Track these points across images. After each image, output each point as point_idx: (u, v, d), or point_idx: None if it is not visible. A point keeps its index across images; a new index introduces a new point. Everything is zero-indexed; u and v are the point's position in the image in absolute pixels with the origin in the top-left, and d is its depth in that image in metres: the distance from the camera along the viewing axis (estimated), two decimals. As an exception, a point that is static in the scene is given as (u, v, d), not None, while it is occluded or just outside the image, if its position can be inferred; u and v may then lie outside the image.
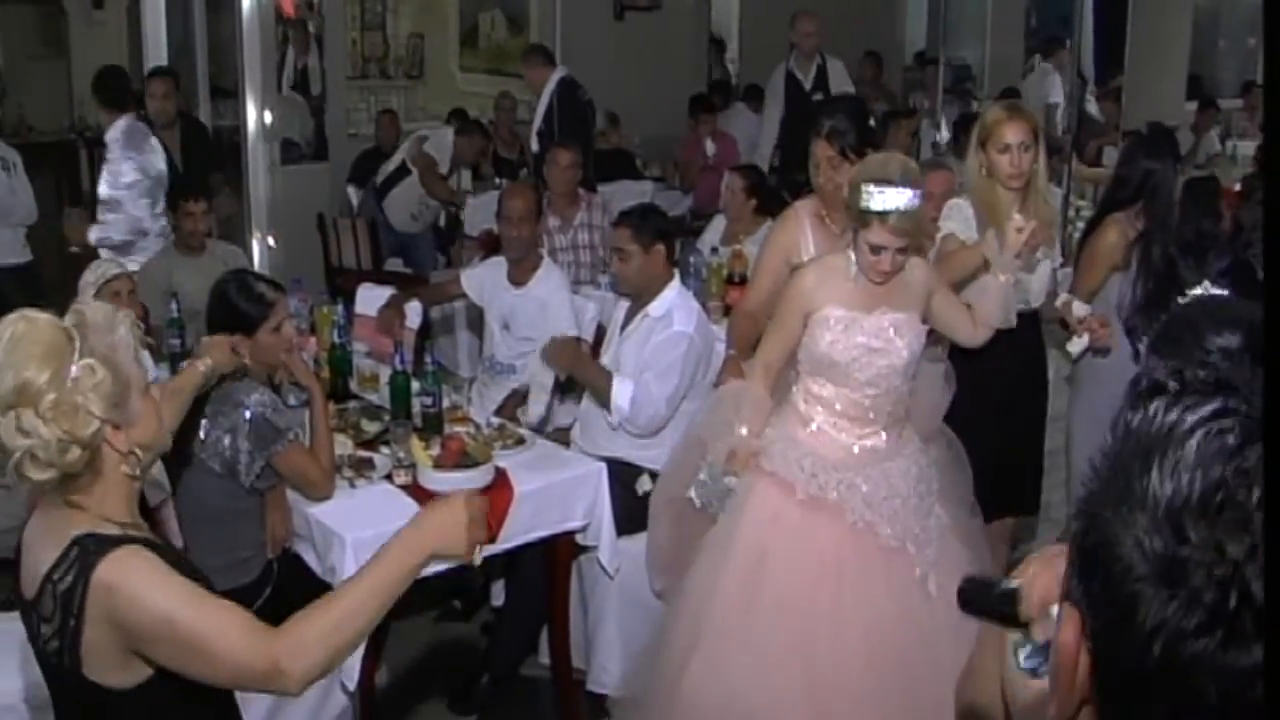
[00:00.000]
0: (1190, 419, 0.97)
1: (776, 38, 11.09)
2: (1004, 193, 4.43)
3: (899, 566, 3.75)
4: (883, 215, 3.58)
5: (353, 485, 4.21)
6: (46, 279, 7.18)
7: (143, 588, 2.14)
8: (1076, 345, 4.70)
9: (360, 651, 3.88)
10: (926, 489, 3.88)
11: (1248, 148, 10.17)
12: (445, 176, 8.93)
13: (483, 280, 5.56)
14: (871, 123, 4.45)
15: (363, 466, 4.33)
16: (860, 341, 3.73)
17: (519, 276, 5.41)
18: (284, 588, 4.08)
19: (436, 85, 12.18)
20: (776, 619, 3.67)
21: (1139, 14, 9.72)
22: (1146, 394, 1.01)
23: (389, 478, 4.25)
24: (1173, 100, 11.20)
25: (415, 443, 4.29)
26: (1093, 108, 10.21)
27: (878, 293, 3.76)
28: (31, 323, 2.12)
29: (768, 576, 3.72)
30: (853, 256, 3.75)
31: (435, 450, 4.28)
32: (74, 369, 2.11)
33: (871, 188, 3.58)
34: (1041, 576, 1.16)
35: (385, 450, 4.43)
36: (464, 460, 4.20)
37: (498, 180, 9.03)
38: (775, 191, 7.29)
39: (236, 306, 4.04)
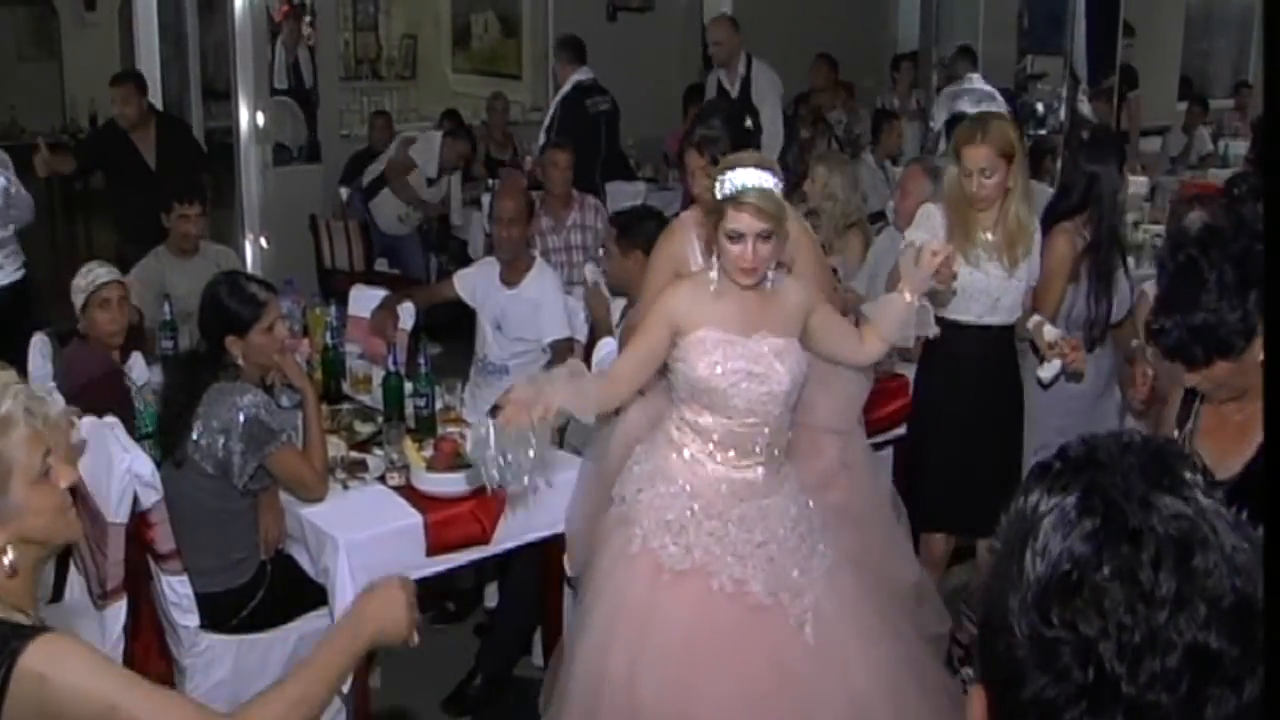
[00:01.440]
0: (1054, 504, 1.06)
1: (769, 38, 11.11)
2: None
3: (772, 622, 3.54)
4: (737, 197, 3.36)
5: (346, 487, 4.21)
6: (40, 287, 7.15)
7: (82, 675, 1.98)
8: (1048, 370, 4.55)
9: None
10: (808, 528, 3.67)
11: (1240, 147, 10.19)
12: (433, 180, 8.91)
13: (475, 281, 5.56)
14: (749, 125, 4.24)
15: (356, 468, 4.33)
16: (739, 366, 3.48)
17: (511, 277, 5.41)
18: (277, 589, 4.08)
19: (429, 86, 12.21)
20: (657, 696, 3.46)
21: (1132, 14, 9.73)
22: (1035, 474, 1.12)
23: (382, 479, 4.26)
24: (1164, 100, 11.23)
25: (408, 444, 4.29)
26: (1085, 108, 10.21)
27: (754, 314, 3.53)
28: None
29: (645, 658, 3.48)
30: (713, 275, 3.51)
31: (428, 452, 4.28)
32: None
33: (725, 174, 3.41)
34: None
35: (378, 452, 4.43)
36: (457, 461, 4.19)
37: (490, 181, 9.02)
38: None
39: (228, 307, 4.03)
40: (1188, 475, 1.07)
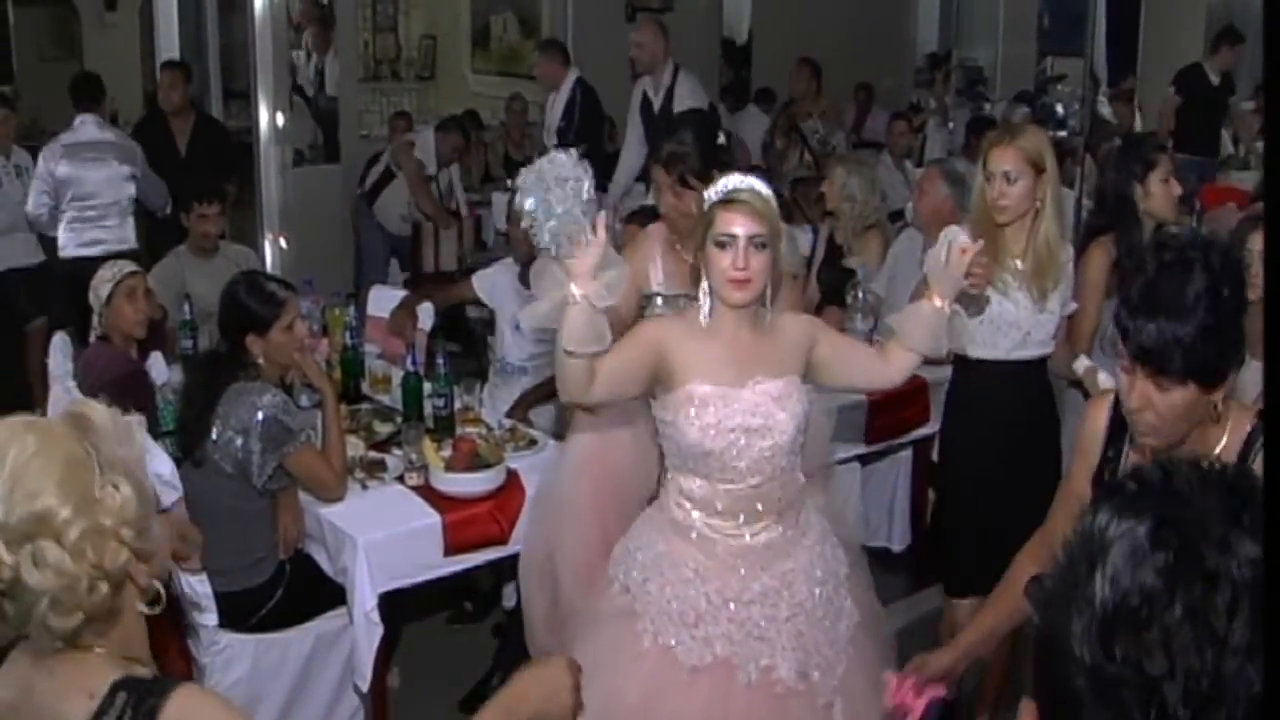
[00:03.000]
0: (1121, 527, 1.00)
1: (789, 39, 11.10)
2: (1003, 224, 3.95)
3: (797, 709, 3.20)
4: (730, 196, 3.05)
5: (364, 487, 4.21)
6: (57, 280, 7.20)
7: None
8: None
9: (373, 653, 3.89)
10: (836, 583, 3.31)
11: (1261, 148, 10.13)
12: (433, 176, 8.91)
13: (494, 282, 5.55)
14: (721, 140, 3.95)
15: (374, 468, 4.33)
16: (736, 424, 3.08)
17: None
18: (295, 589, 4.09)
19: (448, 87, 12.21)
20: None
21: (1151, 14, 9.70)
22: (1106, 493, 1.05)
23: (401, 479, 4.26)
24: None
25: (427, 444, 4.29)
26: (1105, 109, 10.18)
27: (748, 357, 3.13)
28: (44, 433, 1.79)
29: None
30: (704, 315, 3.15)
31: (447, 452, 4.28)
32: (98, 489, 1.78)
33: (712, 187, 3.12)
34: None
35: (397, 452, 4.43)
36: (476, 462, 4.20)
37: (508, 182, 9.02)
38: (783, 192, 7.24)
39: (248, 306, 4.04)
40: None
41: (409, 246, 8.95)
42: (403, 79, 11.97)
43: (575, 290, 2.82)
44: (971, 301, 3.53)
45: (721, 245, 3.04)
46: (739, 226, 3.02)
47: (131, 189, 6.96)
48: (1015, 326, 3.97)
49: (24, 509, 1.72)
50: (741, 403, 3.10)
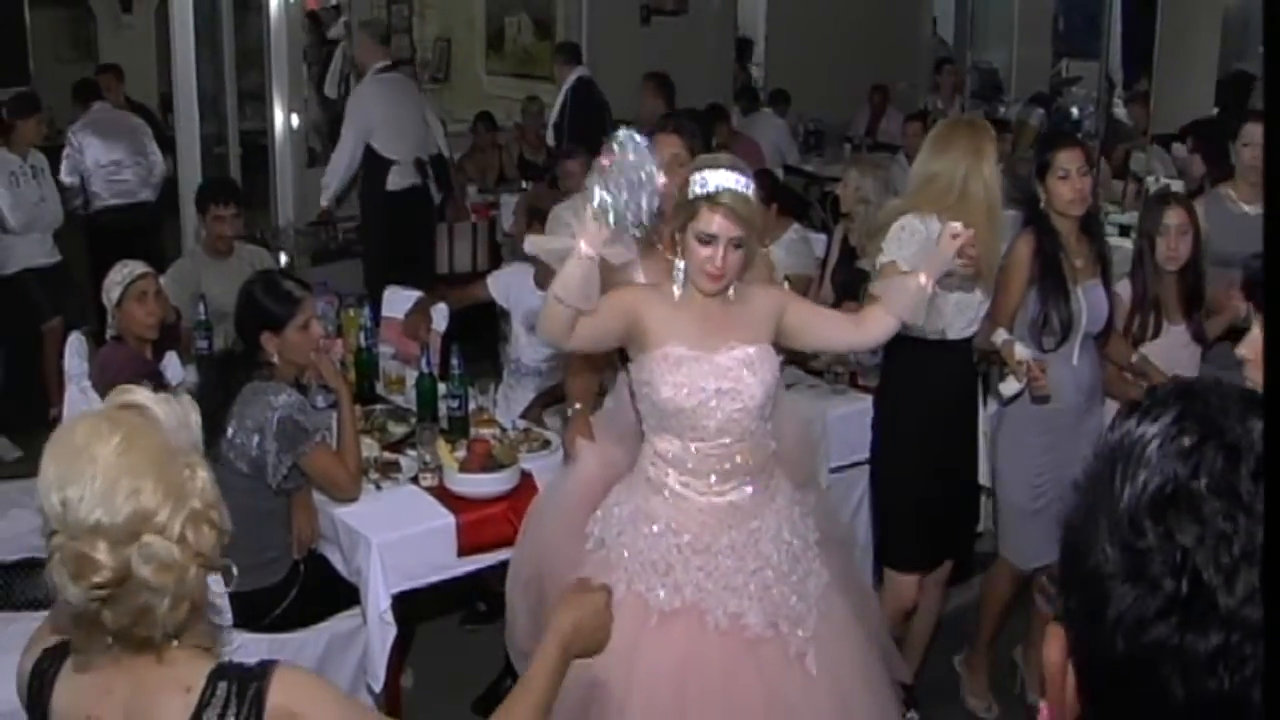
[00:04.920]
0: (1151, 429, 1.01)
1: (804, 41, 11.11)
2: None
3: (769, 655, 3.32)
4: (712, 197, 3.17)
5: (379, 487, 4.22)
6: (73, 280, 7.24)
7: (326, 714, 1.88)
8: (1010, 387, 4.24)
9: (386, 654, 3.89)
10: (803, 545, 3.46)
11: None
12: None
13: (508, 283, 5.56)
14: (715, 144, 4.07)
15: (389, 468, 4.34)
16: (708, 384, 3.25)
17: (545, 280, 5.40)
18: (310, 589, 4.10)
19: (463, 88, 12.22)
20: None
21: (1168, 17, 9.67)
22: (1123, 414, 1.06)
23: (415, 480, 4.27)
24: (1200, 104, 11.14)
25: (441, 445, 4.30)
26: (1121, 112, 10.16)
27: (718, 325, 3.31)
28: (125, 428, 1.77)
29: (631, 706, 3.21)
30: (677, 287, 3.31)
31: (461, 453, 4.29)
32: (184, 476, 1.79)
33: (698, 175, 3.23)
34: None
35: (411, 452, 4.44)
36: (490, 463, 4.20)
37: (524, 184, 9.04)
38: (795, 192, 7.23)
39: (264, 304, 4.05)
40: None
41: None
42: (418, 81, 11.97)
43: (584, 247, 3.02)
44: (949, 283, 3.64)
45: (702, 241, 3.22)
46: (719, 227, 3.19)
47: None
48: (970, 308, 4.17)
49: (128, 508, 1.72)
50: (714, 365, 3.27)
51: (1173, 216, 4.47)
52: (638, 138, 3.04)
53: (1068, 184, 4.24)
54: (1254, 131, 5.06)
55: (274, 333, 4.02)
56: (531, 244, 3.30)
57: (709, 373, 3.26)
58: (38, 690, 1.91)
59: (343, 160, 7.96)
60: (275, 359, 4.03)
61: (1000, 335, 4.19)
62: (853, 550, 3.94)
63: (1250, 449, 0.98)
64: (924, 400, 4.29)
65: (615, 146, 3.01)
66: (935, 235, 3.57)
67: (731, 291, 3.34)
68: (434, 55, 12.39)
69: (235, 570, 2.00)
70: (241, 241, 6.17)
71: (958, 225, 3.45)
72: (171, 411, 1.84)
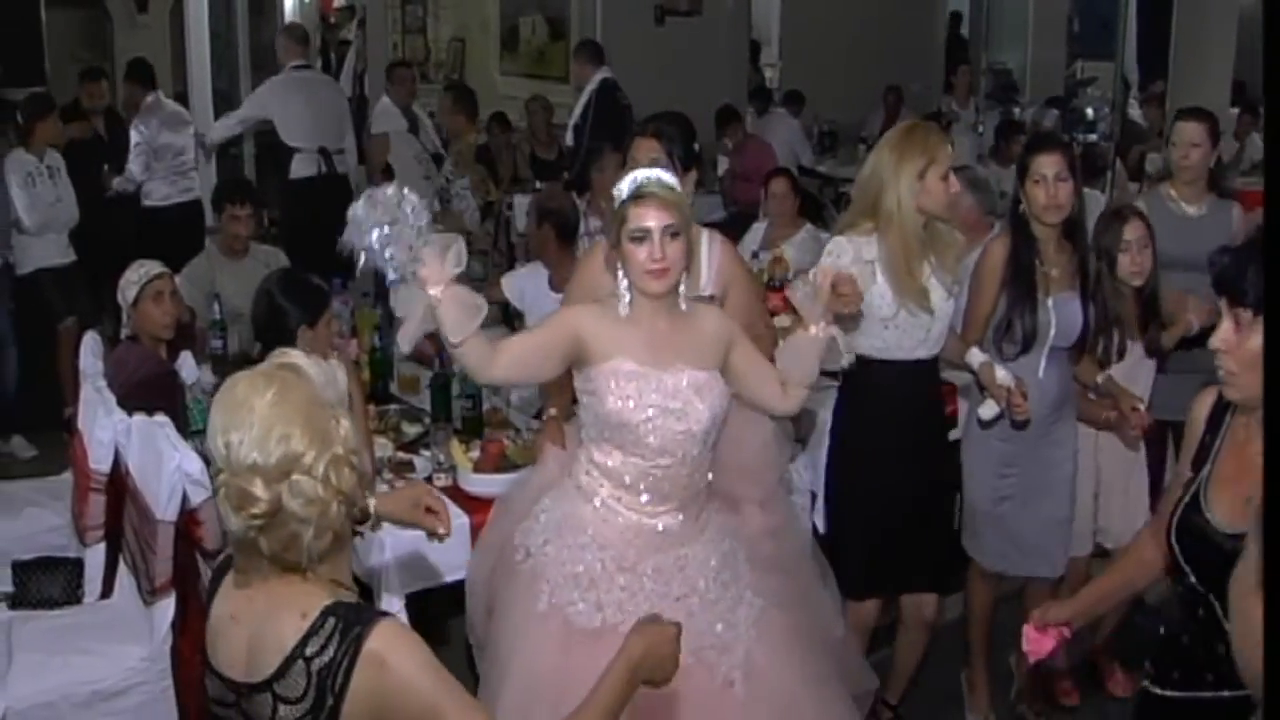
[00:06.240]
0: None
1: (817, 42, 11.10)
2: (912, 228, 3.86)
3: (697, 683, 3.15)
4: (638, 191, 3.11)
5: (392, 488, 4.21)
6: (88, 279, 7.25)
7: (415, 670, 2.03)
8: (989, 410, 4.11)
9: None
10: (732, 576, 3.36)
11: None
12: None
13: (524, 285, 5.56)
14: (697, 148, 3.87)
15: (403, 469, 4.34)
16: (655, 401, 3.16)
17: (561, 282, 5.40)
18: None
19: (477, 89, 12.21)
20: None
21: (1183, 18, 9.64)
22: None
23: (429, 480, 4.26)
24: (1216, 105, 11.11)
25: (455, 445, 4.30)
26: (1135, 113, 10.13)
27: (668, 344, 3.20)
28: (280, 382, 2.03)
29: None
30: (623, 305, 3.20)
31: (475, 453, 4.29)
32: (329, 424, 2.04)
33: (622, 185, 3.18)
34: None
35: (425, 453, 4.44)
36: (503, 463, 4.20)
37: (537, 184, 9.04)
38: (809, 193, 7.23)
39: (301, 297, 4.08)
40: None
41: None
42: (431, 81, 11.99)
43: (433, 292, 2.91)
44: (849, 320, 3.49)
45: (637, 240, 3.11)
46: (651, 220, 3.10)
47: None
48: (919, 327, 3.95)
49: (279, 451, 1.99)
50: (663, 384, 3.18)
51: (1132, 230, 4.34)
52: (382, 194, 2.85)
53: (1042, 189, 4.07)
54: (1182, 130, 5.00)
55: (309, 326, 4.05)
56: (405, 341, 3.07)
57: (657, 390, 3.17)
58: (211, 593, 2.23)
59: (225, 123, 8.74)
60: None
61: (976, 357, 4.06)
62: (807, 564, 3.78)
63: None
64: (879, 417, 4.06)
65: (364, 201, 2.85)
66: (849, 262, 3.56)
67: (683, 303, 3.24)
68: (448, 55, 12.41)
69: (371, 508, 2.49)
70: (256, 242, 6.19)
71: (828, 267, 3.43)
72: (321, 370, 2.10)
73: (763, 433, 3.65)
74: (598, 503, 3.28)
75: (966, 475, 4.37)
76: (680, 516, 3.29)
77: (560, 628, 3.24)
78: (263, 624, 2.07)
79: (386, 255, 2.85)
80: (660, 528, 3.28)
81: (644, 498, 3.25)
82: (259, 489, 1.98)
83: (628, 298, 3.20)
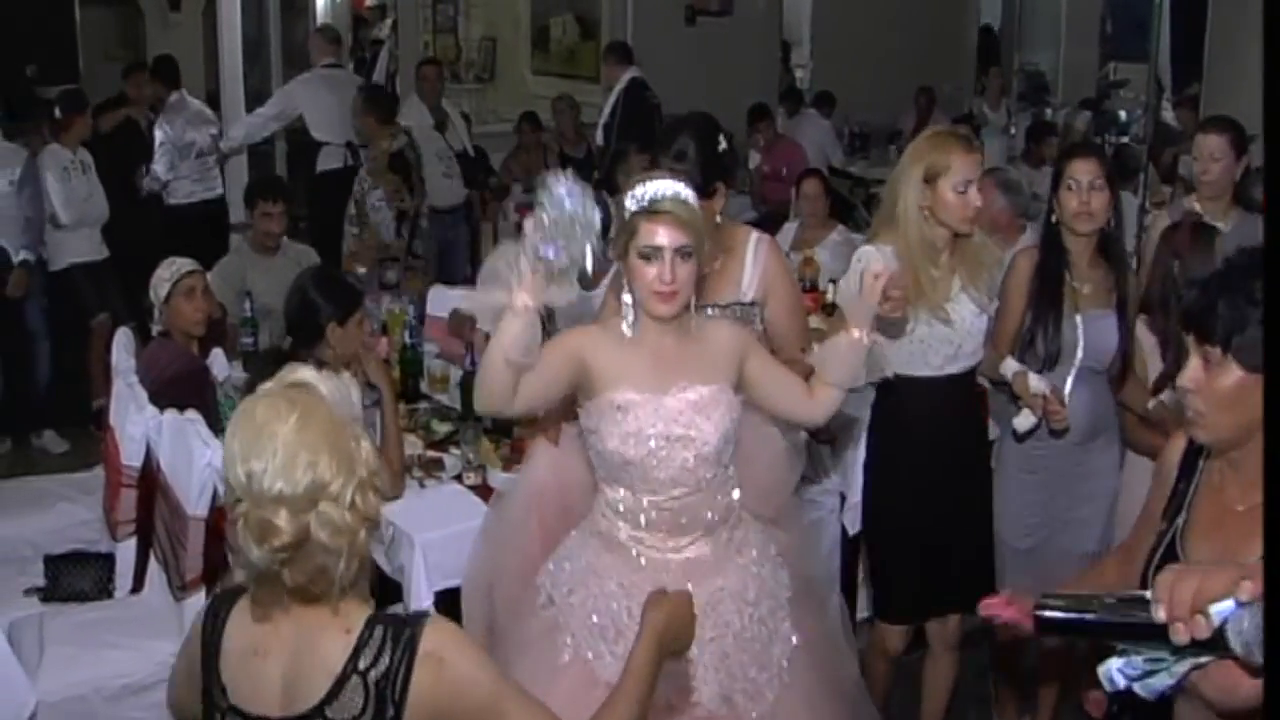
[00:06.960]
0: None
1: (848, 43, 11.07)
2: (935, 236, 3.76)
3: None
4: (651, 206, 2.92)
5: (422, 485, 4.22)
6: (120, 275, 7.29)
7: (474, 666, 2.01)
8: (1026, 421, 3.91)
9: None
10: (771, 608, 3.18)
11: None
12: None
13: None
14: (723, 145, 3.64)
15: (432, 467, 4.34)
16: (657, 431, 2.97)
17: (595, 280, 5.38)
18: (353, 586, 4.10)
19: (508, 88, 12.25)
20: None
21: (1217, 19, 9.58)
22: None
23: (459, 478, 4.26)
24: (1251, 108, 11.03)
25: (485, 444, 4.30)
26: (1169, 115, 10.06)
27: (672, 363, 3.02)
28: (301, 406, 1.94)
29: None
30: (626, 327, 3.05)
31: (505, 451, 4.29)
32: (351, 447, 1.97)
33: (631, 191, 3.00)
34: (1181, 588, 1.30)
35: (455, 451, 4.44)
36: (533, 462, 4.19)
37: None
38: (840, 194, 7.21)
39: (334, 294, 4.12)
40: None
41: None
42: (462, 80, 12.02)
43: (523, 299, 2.77)
44: (891, 326, 3.36)
45: (646, 257, 2.93)
46: (664, 238, 2.91)
47: None
48: (948, 342, 3.82)
49: (307, 479, 1.91)
50: (664, 410, 2.99)
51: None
52: (566, 182, 2.76)
53: (1075, 195, 3.87)
54: (1203, 143, 4.88)
55: (339, 323, 4.09)
56: (467, 300, 3.03)
57: (657, 418, 2.98)
58: (210, 629, 2.12)
59: (254, 121, 8.76)
60: (330, 351, 4.06)
61: (1011, 366, 3.89)
62: (829, 597, 3.65)
63: None
64: (911, 435, 3.93)
65: (545, 199, 2.75)
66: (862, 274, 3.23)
67: (694, 324, 3.08)
68: (479, 55, 12.43)
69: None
70: (289, 239, 6.21)
71: (877, 265, 3.22)
72: (335, 387, 2.01)
73: (773, 448, 3.40)
74: (620, 548, 3.11)
75: (996, 512, 4.11)
76: (709, 544, 3.11)
77: (583, 680, 3.05)
78: (299, 653, 2.00)
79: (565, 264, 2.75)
80: (690, 559, 3.09)
81: (665, 532, 3.08)
82: (284, 520, 1.90)
83: (631, 317, 3.05)
